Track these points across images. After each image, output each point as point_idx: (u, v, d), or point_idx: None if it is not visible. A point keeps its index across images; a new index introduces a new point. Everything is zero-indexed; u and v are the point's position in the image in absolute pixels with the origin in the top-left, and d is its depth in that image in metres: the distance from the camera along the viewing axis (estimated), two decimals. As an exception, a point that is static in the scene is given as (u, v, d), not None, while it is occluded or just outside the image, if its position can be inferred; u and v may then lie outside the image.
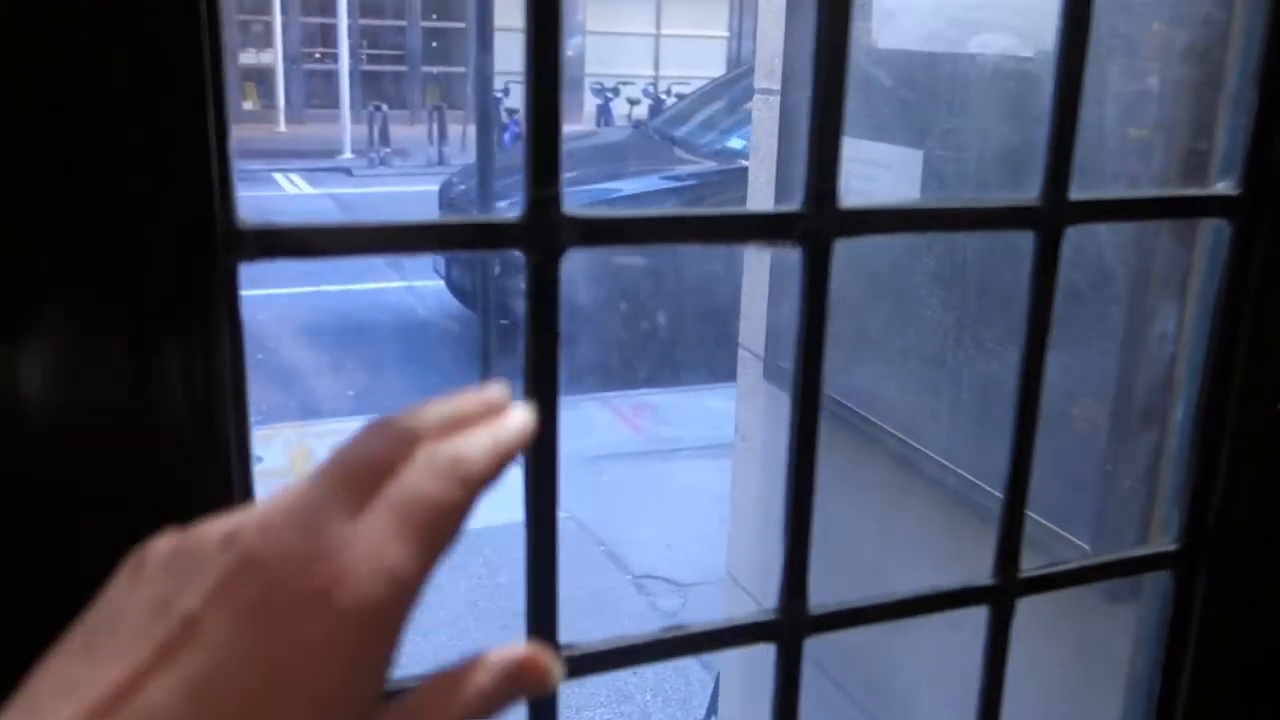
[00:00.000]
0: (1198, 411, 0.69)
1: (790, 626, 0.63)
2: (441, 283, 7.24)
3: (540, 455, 0.54)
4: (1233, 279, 0.67)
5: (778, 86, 1.51)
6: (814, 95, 0.55)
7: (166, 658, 0.31)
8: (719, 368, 5.56)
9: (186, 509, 0.46)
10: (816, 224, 0.56)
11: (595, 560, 4.20)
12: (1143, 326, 0.86)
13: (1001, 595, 0.67)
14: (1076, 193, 0.60)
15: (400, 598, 0.33)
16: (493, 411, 0.38)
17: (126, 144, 0.44)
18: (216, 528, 0.34)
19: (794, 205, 0.56)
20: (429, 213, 7.48)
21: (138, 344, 0.46)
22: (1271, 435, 0.68)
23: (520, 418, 0.39)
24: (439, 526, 0.34)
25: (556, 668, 0.37)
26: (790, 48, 1.49)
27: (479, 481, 0.36)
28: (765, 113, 1.64)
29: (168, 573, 0.33)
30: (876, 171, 1.29)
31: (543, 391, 0.53)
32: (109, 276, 0.44)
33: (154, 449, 0.47)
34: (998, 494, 1.21)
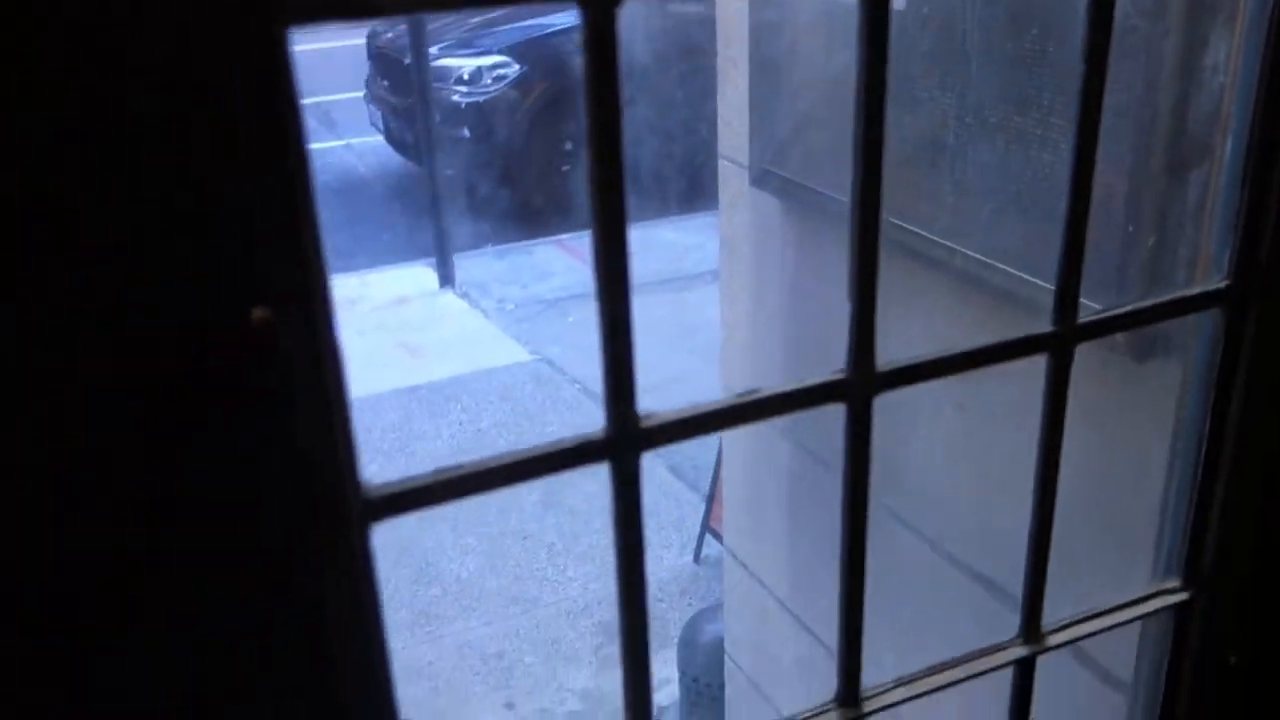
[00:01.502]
0: (1250, 140, 0.68)
1: (861, 385, 0.62)
2: (380, 138, 7.03)
3: (611, 241, 0.52)
4: (1287, -2, 0.64)
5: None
6: None
7: None
8: (671, 199, 5.49)
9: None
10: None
11: (572, 398, 4.23)
12: (1190, 58, 0.84)
13: (1061, 341, 0.67)
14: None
15: None
16: None
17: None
18: None
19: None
20: (359, 65, 7.21)
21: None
22: (1325, 159, 0.67)
23: None
24: None
25: None
26: None
27: None
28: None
29: None
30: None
31: (607, 172, 0.51)
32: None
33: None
34: (1011, 270, 1.21)
